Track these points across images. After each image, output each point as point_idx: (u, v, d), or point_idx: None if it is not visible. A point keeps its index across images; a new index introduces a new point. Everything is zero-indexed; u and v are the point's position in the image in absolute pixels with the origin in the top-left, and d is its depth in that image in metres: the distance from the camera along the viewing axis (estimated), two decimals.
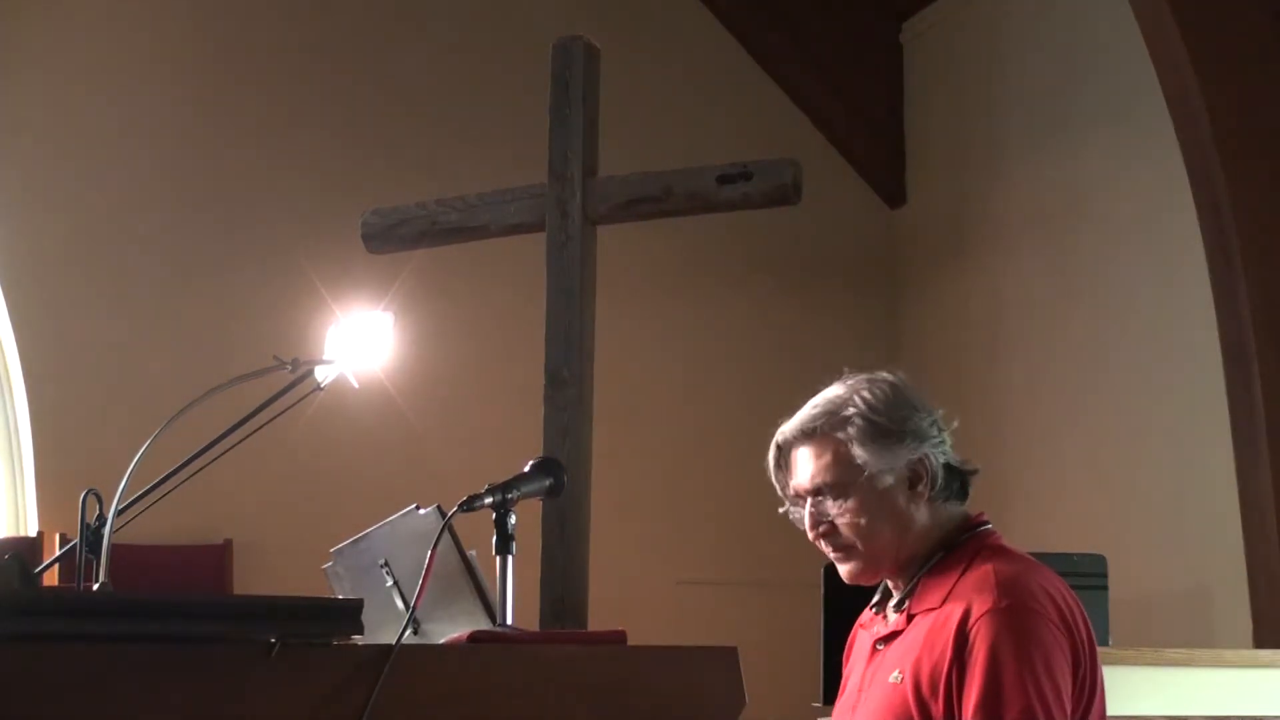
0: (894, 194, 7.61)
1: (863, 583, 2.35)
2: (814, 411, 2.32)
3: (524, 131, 5.65)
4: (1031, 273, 6.72)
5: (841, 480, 2.29)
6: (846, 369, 2.38)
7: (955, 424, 2.36)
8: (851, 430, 2.28)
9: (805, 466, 2.32)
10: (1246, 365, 5.09)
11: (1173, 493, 5.81)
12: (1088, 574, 4.09)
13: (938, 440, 2.31)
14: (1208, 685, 3.80)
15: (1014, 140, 6.90)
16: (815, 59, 7.54)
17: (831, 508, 2.30)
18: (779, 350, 7.35)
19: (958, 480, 2.32)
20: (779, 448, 2.36)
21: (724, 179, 4.90)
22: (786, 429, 2.34)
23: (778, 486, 2.38)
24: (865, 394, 2.30)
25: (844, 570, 2.34)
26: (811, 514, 2.32)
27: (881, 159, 7.63)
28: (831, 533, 2.31)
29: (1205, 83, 5.09)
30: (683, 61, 7.45)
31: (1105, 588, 4.15)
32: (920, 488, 2.29)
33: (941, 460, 2.30)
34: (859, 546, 2.30)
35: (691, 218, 5.39)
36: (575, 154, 4.99)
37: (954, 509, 2.33)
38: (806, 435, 2.32)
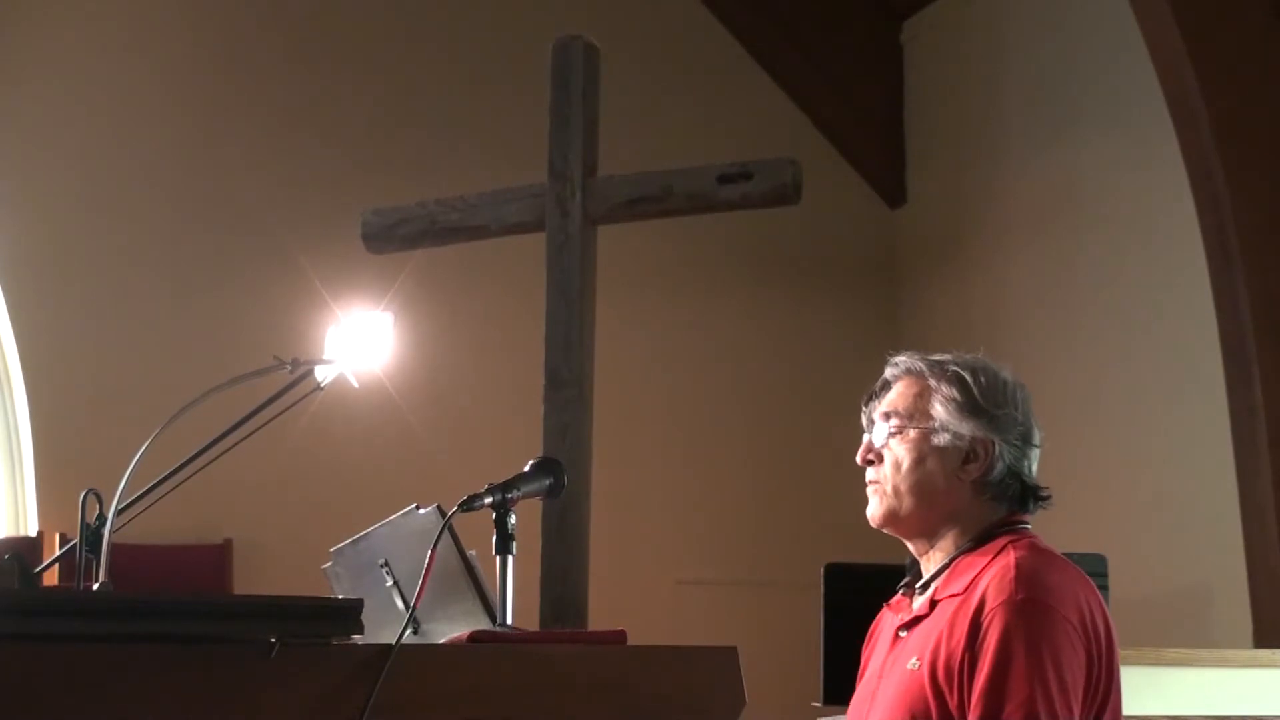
0: (894, 194, 7.61)
1: (883, 527, 2.38)
2: (932, 357, 2.39)
3: (524, 131, 5.66)
4: (1031, 272, 6.72)
5: (910, 415, 2.34)
6: (983, 348, 2.44)
7: (1044, 445, 2.39)
8: (945, 386, 2.34)
9: (893, 394, 2.38)
10: (1246, 365, 5.09)
11: (1173, 493, 5.81)
12: (1088, 574, 4.09)
13: (1016, 444, 2.33)
14: (1208, 685, 3.80)
15: (1014, 140, 6.90)
16: (815, 59, 7.54)
17: (887, 438, 2.35)
18: (779, 350, 7.35)
19: (1017, 487, 2.34)
20: (885, 380, 2.42)
21: (724, 179, 4.91)
22: (899, 359, 2.41)
23: (863, 415, 2.42)
24: (980, 368, 2.36)
25: (870, 509, 2.38)
26: (869, 439, 2.39)
27: (881, 159, 7.63)
28: (875, 463, 2.37)
29: (1205, 83, 5.09)
30: (683, 61, 7.45)
31: (1105, 588, 4.15)
32: (971, 466, 2.31)
33: (1007, 460, 2.32)
34: (888, 486, 2.34)
35: (691, 218, 5.40)
36: (575, 154, 5.00)
37: (999, 508, 2.34)
38: (909, 371, 2.39)
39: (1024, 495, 2.35)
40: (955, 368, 2.36)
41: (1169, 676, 3.77)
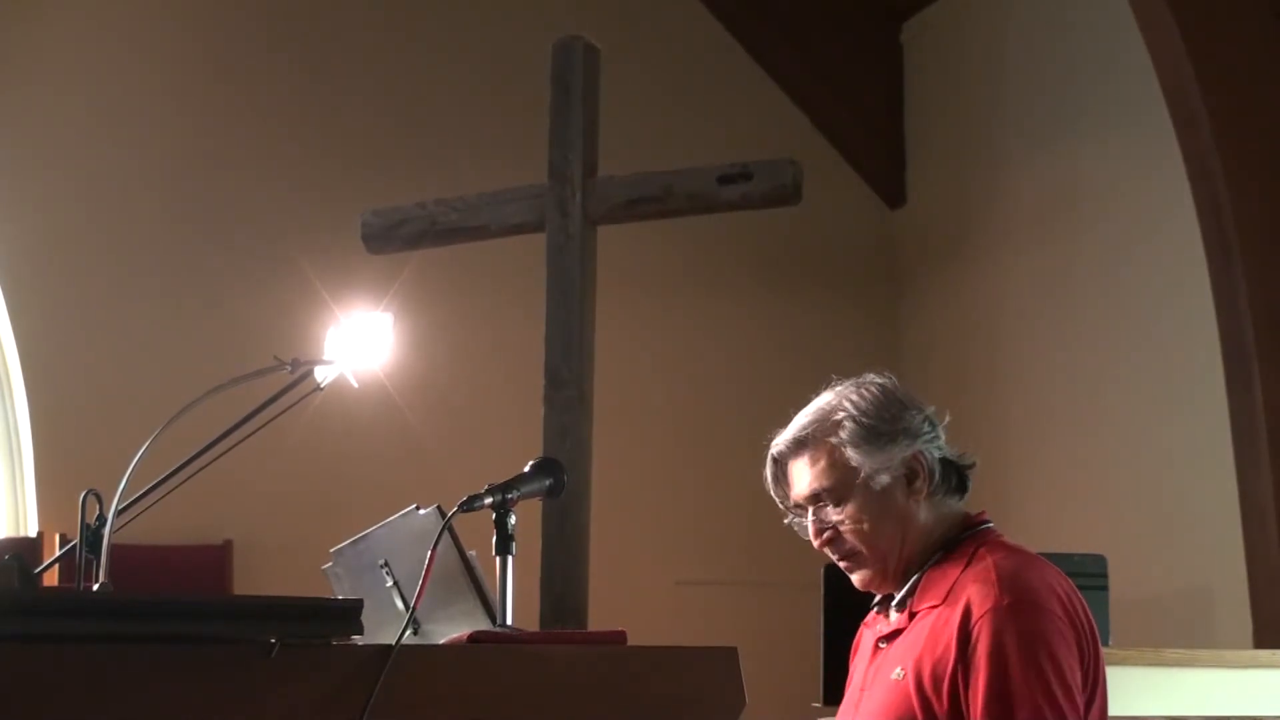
0: (894, 194, 7.61)
1: (875, 590, 2.35)
2: (805, 420, 2.34)
3: (524, 131, 5.66)
4: (1031, 273, 6.72)
5: (839, 484, 2.30)
6: (834, 377, 2.40)
7: (947, 419, 2.37)
8: (843, 434, 2.29)
9: (802, 475, 2.33)
10: (1246, 365, 5.09)
11: (1173, 493, 5.81)
12: (1088, 574, 4.09)
13: (931, 436, 2.32)
14: (1208, 685, 3.80)
15: (1014, 140, 6.90)
16: (815, 59, 7.54)
17: (832, 514, 2.31)
18: (778, 350, 7.35)
19: (955, 474, 2.33)
20: (775, 461, 2.37)
21: (724, 179, 4.91)
22: (780, 441, 2.36)
23: (778, 500, 2.39)
24: (854, 397, 2.32)
25: (855, 579, 2.35)
26: (814, 522, 2.33)
27: (881, 159, 7.62)
28: (835, 539, 2.32)
29: (1205, 83, 5.09)
30: (683, 61, 7.45)
31: (1105, 588, 4.15)
32: (918, 484, 2.29)
33: (937, 455, 2.31)
34: (864, 551, 2.31)
35: (691, 218, 5.40)
36: (575, 154, 5.01)
37: (954, 505, 2.33)
38: (800, 444, 2.33)
39: (960, 475, 2.33)
40: (840, 415, 2.30)
41: (1169, 677, 3.77)
